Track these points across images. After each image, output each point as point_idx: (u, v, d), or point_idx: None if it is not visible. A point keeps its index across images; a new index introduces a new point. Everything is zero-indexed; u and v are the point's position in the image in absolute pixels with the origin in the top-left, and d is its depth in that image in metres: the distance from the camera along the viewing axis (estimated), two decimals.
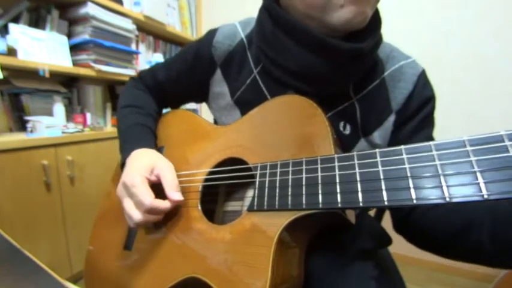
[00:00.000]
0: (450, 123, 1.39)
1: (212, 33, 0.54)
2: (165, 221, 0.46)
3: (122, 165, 0.50)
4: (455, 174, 0.24)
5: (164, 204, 0.42)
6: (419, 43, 1.43)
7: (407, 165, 0.26)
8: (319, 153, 0.34)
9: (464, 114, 1.40)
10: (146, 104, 0.60)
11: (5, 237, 0.38)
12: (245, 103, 0.50)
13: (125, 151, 0.50)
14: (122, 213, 0.49)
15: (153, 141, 0.54)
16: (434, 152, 0.25)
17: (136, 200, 0.41)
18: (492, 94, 1.34)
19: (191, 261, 0.40)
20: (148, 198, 0.41)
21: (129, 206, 0.42)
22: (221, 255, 0.37)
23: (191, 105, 1.96)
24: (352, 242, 0.46)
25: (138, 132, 0.54)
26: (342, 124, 0.45)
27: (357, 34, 0.41)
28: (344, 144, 0.46)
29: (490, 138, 0.23)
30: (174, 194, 0.43)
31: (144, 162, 0.46)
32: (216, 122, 0.61)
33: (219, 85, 0.54)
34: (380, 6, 0.42)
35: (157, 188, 0.43)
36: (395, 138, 0.46)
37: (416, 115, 0.45)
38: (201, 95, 0.58)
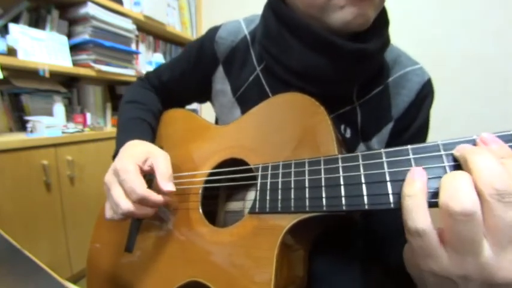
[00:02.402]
0: (450, 123, 1.39)
1: (215, 29, 0.53)
2: (165, 223, 0.46)
3: (115, 155, 0.48)
4: None
5: (156, 197, 0.39)
6: (420, 43, 1.43)
7: (414, 166, 0.25)
8: (322, 152, 0.34)
9: (464, 114, 1.40)
10: (148, 101, 0.59)
11: (5, 237, 0.38)
12: (247, 101, 0.50)
13: (119, 141, 0.49)
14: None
15: (150, 135, 0.53)
16: (442, 152, 0.24)
17: (127, 187, 0.39)
18: (492, 94, 1.34)
19: (192, 264, 0.39)
20: (141, 186, 0.38)
21: (118, 193, 0.39)
22: (223, 258, 0.36)
23: (191, 105, 1.96)
24: (355, 242, 0.46)
25: (136, 125, 0.53)
26: (342, 127, 0.45)
27: (361, 34, 0.40)
28: (345, 146, 0.45)
29: (502, 137, 0.22)
30: (166, 184, 0.40)
31: (138, 151, 0.44)
32: (217, 121, 0.60)
33: (221, 82, 0.53)
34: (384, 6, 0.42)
35: (150, 183, 0.42)
36: (389, 146, 0.46)
37: (413, 126, 0.45)
38: (205, 94, 0.58)
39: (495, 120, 1.34)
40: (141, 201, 0.39)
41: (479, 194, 0.20)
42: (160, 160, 0.42)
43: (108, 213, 0.42)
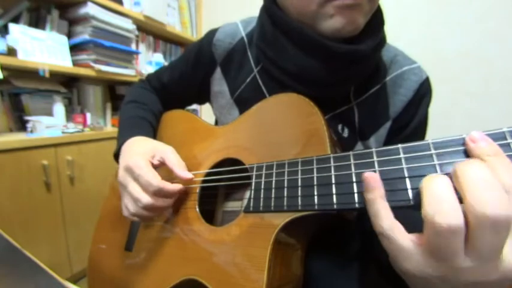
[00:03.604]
0: (450, 123, 1.39)
1: (213, 32, 0.54)
2: (164, 222, 0.46)
3: (116, 154, 0.49)
4: None
5: (173, 187, 0.41)
6: (420, 43, 1.43)
7: (404, 165, 0.25)
8: (316, 152, 0.34)
9: (464, 114, 1.40)
10: (149, 101, 0.60)
11: (5, 237, 0.38)
12: (244, 102, 0.50)
13: (121, 139, 0.50)
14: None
15: (151, 133, 0.54)
16: (433, 151, 0.24)
17: (143, 181, 0.40)
18: (492, 94, 1.34)
19: (189, 263, 0.40)
20: (156, 179, 0.40)
21: (136, 189, 0.41)
22: (218, 256, 0.37)
23: (191, 106, 1.96)
24: (352, 242, 0.46)
25: (137, 123, 0.54)
26: (340, 127, 0.45)
27: (355, 36, 0.40)
28: (342, 146, 0.45)
29: (494, 135, 0.22)
30: (184, 172, 0.43)
31: (144, 147, 0.45)
32: (216, 122, 0.61)
33: (219, 84, 0.54)
34: (381, 5, 0.41)
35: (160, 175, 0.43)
36: (387, 144, 0.46)
37: (410, 125, 0.45)
38: (203, 95, 0.58)
39: (495, 120, 1.33)
40: (158, 193, 0.40)
41: (467, 212, 0.19)
42: (170, 153, 0.44)
43: (126, 211, 0.43)
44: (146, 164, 0.42)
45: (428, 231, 0.21)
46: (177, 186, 0.42)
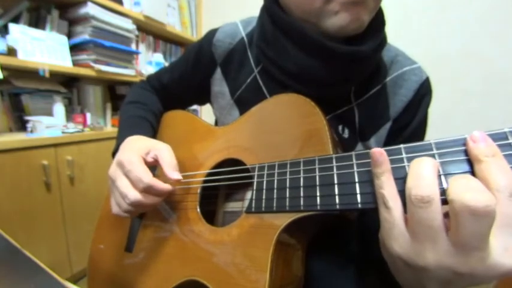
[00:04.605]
0: (450, 123, 1.39)
1: (213, 32, 0.54)
2: (164, 223, 0.46)
3: (114, 152, 0.49)
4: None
5: (163, 186, 0.40)
6: (420, 43, 1.43)
7: (406, 163, 0.25)
8: (317, 153, 0.34)
9: (464, 115, 1.40)
10: (149, 101, 0.60)
11: (5, 237, 0.38)
12: (245, 103, 0.50)
13: (120, 138, 0.49)
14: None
15: (150, 132, 0.54)
16: (435, 151, 0.24)
17: (133, 177, 0.39)
18: (492, 94, 1.34)
19: (190, 263, 0.39)
20: (147, 175, 0.39)
21: (124, 184, 0.40)
22: (219, 257, 0.36)
23: (192, 106, 1.95)
24: (352, 242, 0.46)
25: (137, 123, 0.54)
26: (340, 127, 0.45)
27: (357, 36, 0.40)
28: (343, 147, 0.45)
29: (495, 135, 0.22)
30: (173, 173, 0.41)
31: (140, 144, 0.44)
32: (217, 123, 0.61)
33: (219, 84, 0.54)
34: (382, 6, 0.41)
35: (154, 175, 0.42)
36: (387, 145, 0.46)
37: (411, 125, 0.45)
38: (203, 96, 0.58)
39: (495, 120, 1.34)
40: (148, 190, 0.39)
41: (449, 202, 0.20)
42: (164, 151, 0.43)
43: (114, 208, 0.42)
44: (139, 159, 0.41)
45: (408, 205, 0.22)
46: (168, 186, 0.41)
